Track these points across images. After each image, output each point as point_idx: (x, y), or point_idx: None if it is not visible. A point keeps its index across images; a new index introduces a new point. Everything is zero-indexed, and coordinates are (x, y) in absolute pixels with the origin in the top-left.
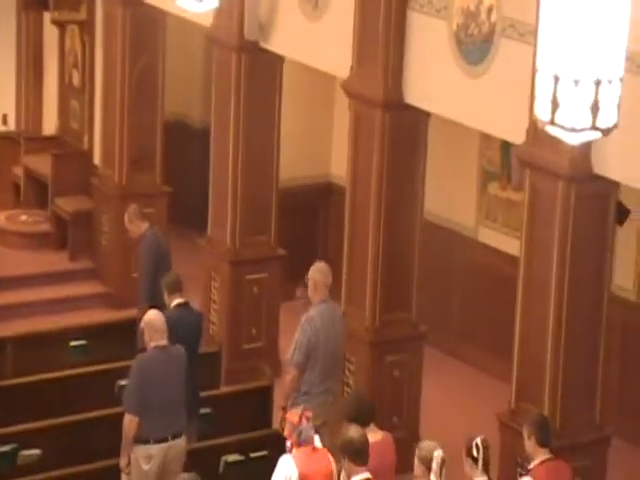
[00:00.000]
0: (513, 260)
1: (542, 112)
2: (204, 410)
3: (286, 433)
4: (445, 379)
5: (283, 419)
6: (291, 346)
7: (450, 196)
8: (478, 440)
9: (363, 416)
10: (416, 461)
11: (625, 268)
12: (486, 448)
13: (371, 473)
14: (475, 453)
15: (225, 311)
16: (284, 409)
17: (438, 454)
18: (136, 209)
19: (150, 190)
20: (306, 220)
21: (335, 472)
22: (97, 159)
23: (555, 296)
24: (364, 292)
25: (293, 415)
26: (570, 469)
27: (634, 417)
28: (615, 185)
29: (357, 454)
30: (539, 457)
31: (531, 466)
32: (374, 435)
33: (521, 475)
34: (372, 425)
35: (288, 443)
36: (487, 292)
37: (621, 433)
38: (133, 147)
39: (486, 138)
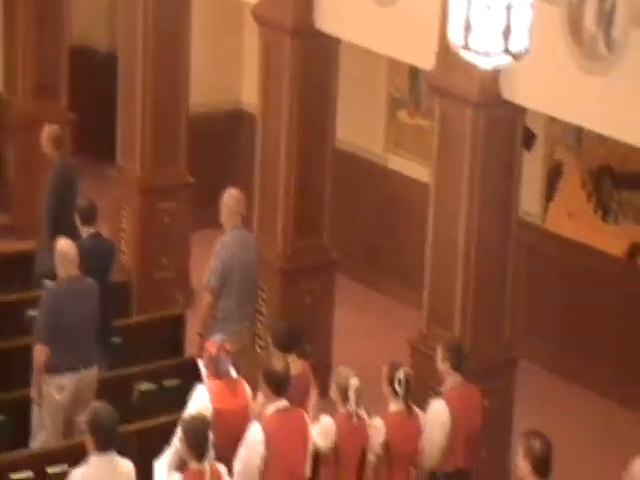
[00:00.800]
0: (423, 187)
1: (455, 36)
2: (116, 339)
3: (203, 363)
4: (357, 306)
5: (200, 346)
6: (206, 273)
7: (359, 124)
8: (401, 374)
9: (287, 343)
10: (333, 387)
11: (531, 193)
12: (408, 382)
13: (288, 401)
14: (397, 386)
15: (135, 240)
16: (200, 335)
17: (354, 382)
18: (55, 132)
19: (55, 118)
20: (217, 148)
21: (252, 405)
22: (0, 87)
23: (465, 222)
24: (275, 220)
25: (211, 345)
26: (479, 392)
27: (540, 340)
28: (522, 110)
29: (278, 386)
30: (451, 380)
31: (443, 389)
32: (294, 365)
33: (433, 398)
34: (293, 354)
35: (205, 371)
36: (398, 219)
37: (528, 355)
38: (37, 74)
39: (394, 64)
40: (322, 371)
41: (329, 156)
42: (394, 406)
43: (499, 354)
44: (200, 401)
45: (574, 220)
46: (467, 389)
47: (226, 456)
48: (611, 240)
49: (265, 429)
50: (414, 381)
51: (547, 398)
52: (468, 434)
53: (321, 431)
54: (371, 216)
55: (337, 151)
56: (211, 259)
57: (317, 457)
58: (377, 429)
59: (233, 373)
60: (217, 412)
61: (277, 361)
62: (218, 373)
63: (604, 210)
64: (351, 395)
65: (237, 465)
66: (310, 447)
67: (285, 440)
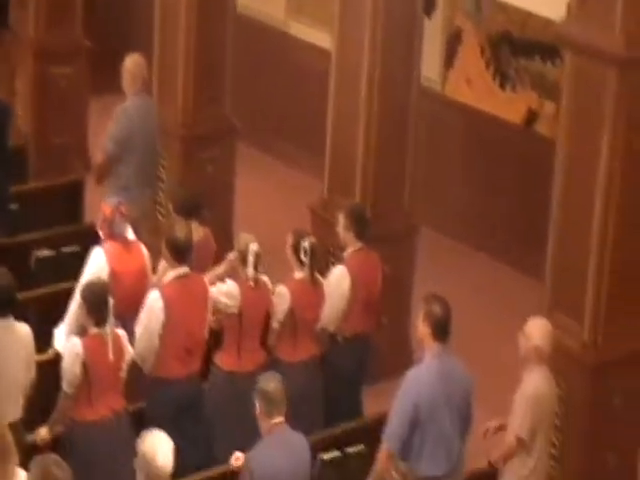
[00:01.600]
0: (325, 54)
1: None
2: (12, 206)
3: (98, 225)
4: (259, 174)
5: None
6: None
7: None
8: (307, 244)
9: (188, 209)
10: (235, 254)
11: (431, 60)
12: (314, 252)
13: (190, 268)
14: (303, 257)
15: (31, 105)
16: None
17: (253, 247)
18: None
19: None
20: (116, 13)
21: (149, 267)
22: None
23: (366, 89)
24: (176, 86)
25: (106, 207)
26: (379, 257)
27: (439, 206)
28: None
29: (179, 252)
30: (352, 247)
31: (344, 255)
32: (196, 232)
33: (333, 264)
34: (195, 221)
35: (100, 234)
36: (300, 86)
37: (428, 223)
38: None
39: None
40: (223, 238)
41: (230, 21)
42: (299, 274)
43: (400, 221)
44: (97, 262)
45: (473, 87)
46: (367, 255)
47: (125, 318)
48: (509, 107)
49: (164, 296)
50: (320, 251)
51: (447, 265)
52: (368, 299)
53: (226, 292)
54: (273, 83)
55: (238, 15)
56: (110, 123)
57: (219, 323)
58: (281, 296)
59: (130, 235)
60: (114, 273)
61: (179, 228)
62: (112, 234)
63: (502, 77)
64: (250, 259)
65: (137, 329)
66: (209, 312)
67: (184, 306)
